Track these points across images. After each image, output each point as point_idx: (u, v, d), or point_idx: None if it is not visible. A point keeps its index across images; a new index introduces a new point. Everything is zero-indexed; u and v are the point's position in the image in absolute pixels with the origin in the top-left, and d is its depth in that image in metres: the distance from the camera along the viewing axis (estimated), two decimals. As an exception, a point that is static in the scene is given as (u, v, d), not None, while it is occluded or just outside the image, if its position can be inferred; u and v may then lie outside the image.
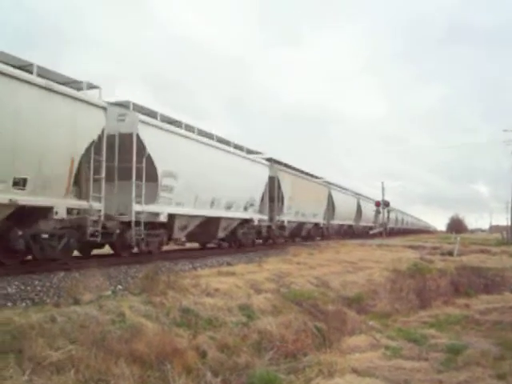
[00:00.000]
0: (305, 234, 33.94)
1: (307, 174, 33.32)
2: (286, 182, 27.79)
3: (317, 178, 35.88)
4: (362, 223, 50.85)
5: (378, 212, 52.81)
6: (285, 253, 22.42)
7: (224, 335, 8.84)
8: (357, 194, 49.86)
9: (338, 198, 39.93)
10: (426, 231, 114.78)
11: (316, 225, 34.98)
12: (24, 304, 8.83)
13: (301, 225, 31.54)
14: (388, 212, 55.63)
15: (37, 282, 10.38)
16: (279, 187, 26.87)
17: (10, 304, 8.70)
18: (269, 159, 26.54)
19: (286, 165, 28.87)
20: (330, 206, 38.14)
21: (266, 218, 25.26)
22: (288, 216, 28.05)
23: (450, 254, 27.47)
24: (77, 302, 8.87)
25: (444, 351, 9.84)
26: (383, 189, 49.27)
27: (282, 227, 27.60)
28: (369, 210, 51.76)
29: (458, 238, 36.20)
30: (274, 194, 26.26)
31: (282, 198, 27.25)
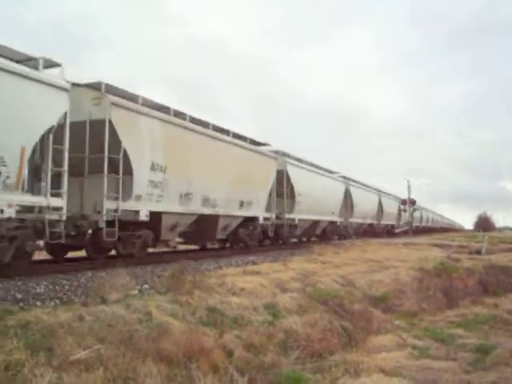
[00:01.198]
0: (319, 233, 31.64)
1: (322, 168, 31.47)
2: (297, 177, 25.59)
3: (332, 172, 34.11)
4: (384, 221, 48.20)
5: (403, 210, 52.30)
6: (310, 252, 22.34)
7: (250, 334, 8.85)
8: (378, 190, 47.24)
9: (356, 194, 37.69)
10: (452, 229, 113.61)
11: (332, 223, 32.83)
12: (53, 303, 8.94)
13: (315, 223, 29.29)
14: (414, 210, 55.11)
15: (65, 282, 10.52)
16: (288, 182, 24.79)
17: (39, 303, 8.83)
18: (276, 151, 24.60)
19: (296, 158, 27.11)
20: (349, 202, 36.06)
21: (273, 215, 23.23)
22: (299, 213, 25.83)
23: (478, 252, 27.11)
24: (104, 301, 8.96)
25: (472, 351, 9.73)
26: (409, 187, 48.80)
27: (292, 226, 25.47)
28: (391, 207, 50.06)
29: (485, 236, 35.74)
30: (282, 190, 24.24)
31: (293, 193, 25.09)
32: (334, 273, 15.81)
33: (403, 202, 51.00)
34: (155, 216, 14.74)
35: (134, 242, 14.52)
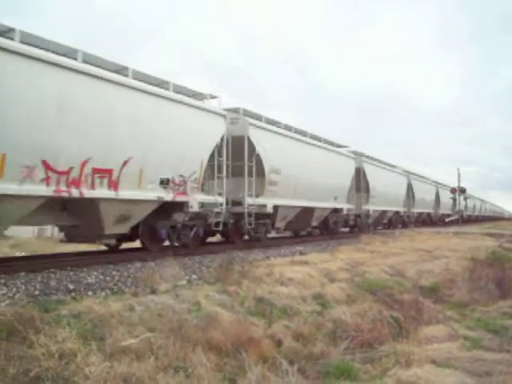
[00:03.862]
0: (386, 222, 35.36)
1: (387, 163, 34.94)
2: (371, 173, 29.53)
3: (396, 167, 37.49)
4: (441, 211, 51.08)
5: (454, 199, 51.62)
6: (357, 241, 22.18)
7: (299, 324, 8.81)
8: (435, 182, 50.09)
9: (417, 186, 40.92)
10: (504, 218, 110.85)
11: (397, 213, 36.37)
12: (104, 293, 9.10)
13: (383, 213, 33.01)
14: (465, 199, 54.35)
15: (115, 273, 10.68)
16: (364, 178, 28.82)
17: (90, 293, 8.99)
18: (354, 152, 28.41)
19: (368, 156, 30.61)
20: (410, 194, 39.21)
21: (353, 207, 27.06)
22: (372, 205, 29.79)
23: (531, 241, 26.42)
24: (154, 291, 9.08)
25: (527, 342, 9.45)
26: (459, 175, 47.83)
27: (367, 216, 29.42)
28: (446, 197, 51.22)
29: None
30: (359, 185, 28.19)
31: (367, 187, 29.15)
32: (383, 262, 15.63)
33: (452, 190, 50.02)
34: (273, 209, 18.47)
35: (260, 229, 18.13)
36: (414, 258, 17.69)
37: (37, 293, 8.53)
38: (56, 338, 5.88)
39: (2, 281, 8.95)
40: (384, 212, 33.02)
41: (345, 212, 25.96)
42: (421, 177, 44.58)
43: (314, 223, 23.44)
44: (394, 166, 36.76)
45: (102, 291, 9.23)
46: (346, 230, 29.04)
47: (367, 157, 30.34)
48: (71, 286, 9.18)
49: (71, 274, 10.11)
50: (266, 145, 17.70)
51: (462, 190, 47.93)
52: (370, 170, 29.65)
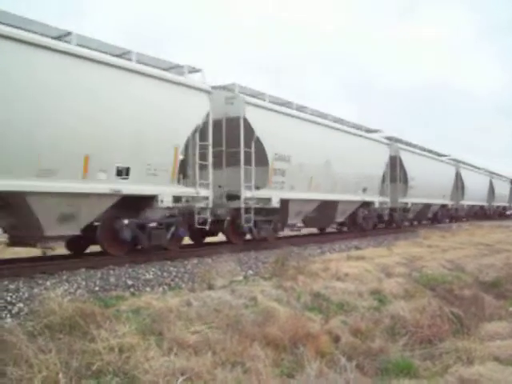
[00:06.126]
0: (431, 216, 32.16)
1: (431, 151, 31.72)
2: (409, 161, 26.29)
3: (442, 155, 34.27)
4: (496, 203, 47.24)
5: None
6: (415, 236, 21.83)
7: (356, 320, 8.74)
8: (488, 172, 46.20)
9: (467, 176, 37.37)
10: None
11: (443, 206, 32.86)
12: (161, 289, 9.23)
13: (426, 207, 29.70)
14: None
15: (172, 269, 10.80)
16: (401, 167, 25.57)
17: (148, 289, 9.14)
18: (389, 138, 25.39)
19: (407, 143, 27.66)
20: (459, 185, 35.86)
21: (387, 200, 23.94)
22: (412, 197, 26.41)
23: None
24: (210, 287, 9.15)
25: None
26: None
27: (405, 209, 26.27)
28: (503, 189, 48.65)
29: None
30: (395, 175, 25.01)
31: (405, 178, 25.89)
32: (441, 257, 15.33)
33: (511, 181, 48.58)
34: (283, 203, 15.91)
35: (266, 227, 15.53)
36: (473, 252, 17.28)
37: (97, 289, 8.72)
38: (116, 333, 6.00)
39: (64, 277, 9.18)
40: (427, 205, 29.65)
41: (377, 205, 22.85)
42: (472, 166, 40.93)
43: (340, 219, 20.86)
44: (439, 154, 33.41)
45: (159, 287, 9.36)
46: (382, 226, 25.61)
47: (404, 143, 27.27)
48: (130, 282, 9.35)
49: (130, 270, 10.28)
50: (268, 128, 15.13)
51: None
52: (408, 158, 26.29)
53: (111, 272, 9.93)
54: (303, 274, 10.43)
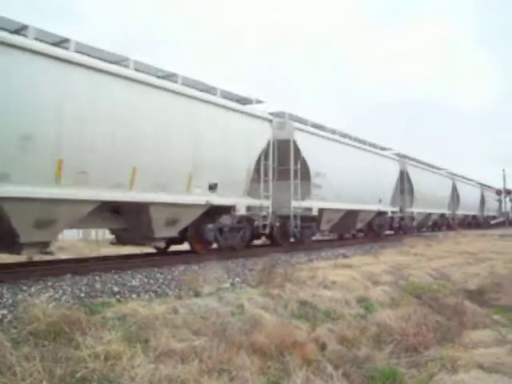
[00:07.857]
0: (431, 225, 35.47)
1: (431, 166, 34.91)
2: (415, 175, 29.64)
3: (440, 169, 37.44)
4: (486, 213, 50.59)
5: (497, 200, 50.95)
6: (401, 244, 21.95)
7: (343, 327, 8.74)
8: (480, 183, 49.62)
9: (462, 188, 41.09)
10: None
11: (442, 215, 36.61)
12: (148, 296, 9.16)
13: (428, 216, 33.12)
14: (511, 200, 53.46)
15: (158, 275, 10.74)
16: (409, 180, 28.93)
17: (134, 296, 9.07)
18: (398, 154, 28.65)
19: (412, 158, 30.80)
20: (455, 196, 39.39)
21: (397, 209, 27.32)
22: (417, 207, 29.85)
23: None
24: (197, 294, 9.11)
25: None
26: (504, 176, 47.21)
27: (411, 218, 29.59)
28: (492, 199, 51.20)
29: None
30: (403, 187, 28.40)
31: (412, 190, 29.27)
32: (427, 265, 15.44)
33: (497, 192, 49.28)
34: (318, 212, 18.54)
35: (306, 232, 18.29)
36: (459, 260, 17.41)
37: (82, 295, 8.63)
38: (102, 340, 5.95)
39: (49, 283, 9.10)
40: (429, 214, 33.11)
41: (389, 214, 26.07)
42: (465, 179, 44.54)
43: (359, 226, 23.62)
44: (438, 168, 36.75)
45: (146, 294, 9.29)
46: (391, 232, 28.85)
47: (411, 159, 30.48)
48: (116, 289, 9.27)
49: (116, 276, 10.21)
50: (311, 148, 17.88)
51: (508, 192, 47.12)
52: (414, 173, 29.73)
53: (97, 278, 9.86)
54: (290, 282, 10.42)
